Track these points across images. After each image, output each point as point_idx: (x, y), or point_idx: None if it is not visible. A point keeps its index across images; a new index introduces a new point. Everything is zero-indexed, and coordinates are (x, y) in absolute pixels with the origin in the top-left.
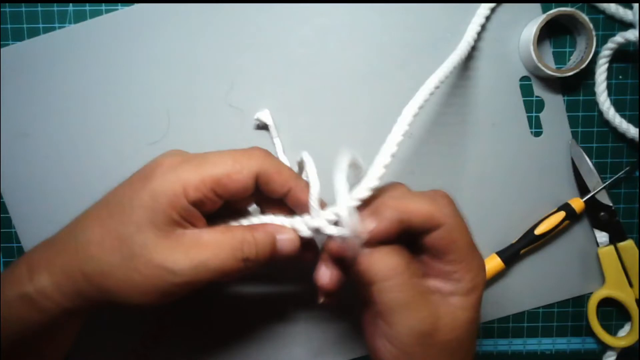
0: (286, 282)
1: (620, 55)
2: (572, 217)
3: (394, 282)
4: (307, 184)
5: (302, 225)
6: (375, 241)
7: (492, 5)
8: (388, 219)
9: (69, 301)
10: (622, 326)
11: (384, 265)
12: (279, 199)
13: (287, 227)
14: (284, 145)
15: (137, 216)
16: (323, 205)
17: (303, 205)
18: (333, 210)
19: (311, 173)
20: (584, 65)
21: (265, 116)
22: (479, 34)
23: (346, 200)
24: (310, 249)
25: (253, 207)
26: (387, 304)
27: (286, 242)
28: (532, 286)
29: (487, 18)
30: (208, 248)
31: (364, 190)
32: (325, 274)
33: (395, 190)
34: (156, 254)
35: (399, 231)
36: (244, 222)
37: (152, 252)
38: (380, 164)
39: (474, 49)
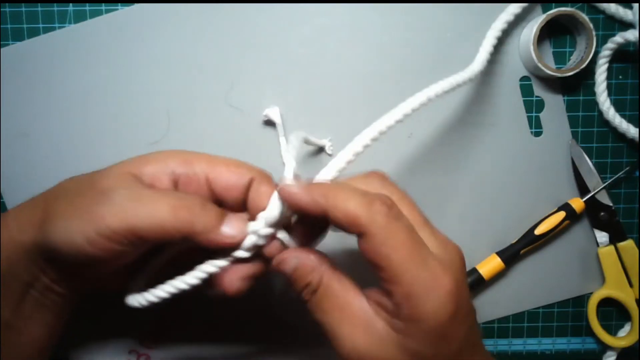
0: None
1: (620, 55)
2: (572, 217)
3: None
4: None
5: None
6: (297, 209)
7: (516, 10)
8: (311, 197)
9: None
10: (622, 326)
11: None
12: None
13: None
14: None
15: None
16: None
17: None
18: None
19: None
20: (584, 65)
21: (274, 114)
22: (498, 41)
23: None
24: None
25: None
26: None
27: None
28: (532, 286)
29: (507, 26)
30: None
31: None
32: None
33: (350, 180)
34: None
35: (322, 217)
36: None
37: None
38: (342, 159)
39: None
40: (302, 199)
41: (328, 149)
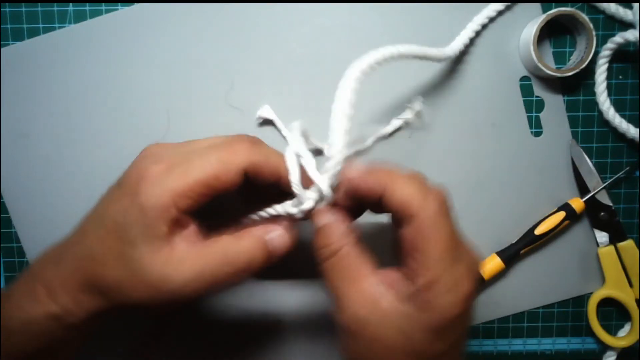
0: (286, 283)
1: (620, 55)
2: (572, 217)
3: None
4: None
5: (293, 209)
6: (351, 192)
7: (499, 7)
8: (367, 180)
9: (91, 314)
10: (622, 326)
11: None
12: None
13: (273, 225)
14: (284, 143)
15: (130, 234)
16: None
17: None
18: (315, 189)
19: (290, 161)
20: (584, 65)
21: (266, 112)
22: (477, 34)
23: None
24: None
25: None
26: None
27: (276, 240)
28: (532, 286)
29: (489, 20)
30: (194, 265)
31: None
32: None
33: (406, 171)
34: (151, 268)
35: (375, 200)
36: (244, 221)
37: (148, 267)
38: (339, 130)
39: (474, 46)
40: (361, 183)
41: (327, 151)
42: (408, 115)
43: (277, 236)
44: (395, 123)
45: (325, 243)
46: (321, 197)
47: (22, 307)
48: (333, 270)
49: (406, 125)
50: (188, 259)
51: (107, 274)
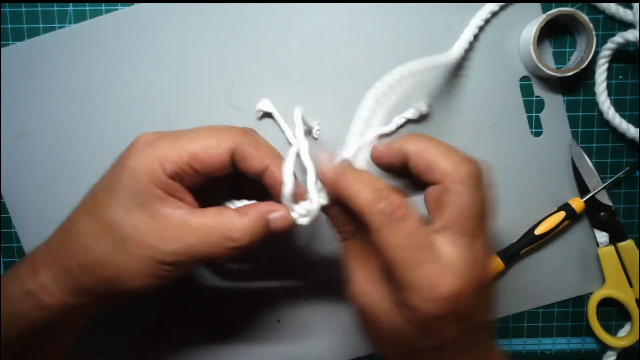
0: (286, 281)
1: (620, 55)
2: (572, 217)
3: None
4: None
5: (300, 209)
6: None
7: (494, 7)
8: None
9: (71, 296)
10: (622, 326)
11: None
12: (253, 183)
13: (276, 205)
14: (283, 137)
15: (122, 199)
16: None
17: (278, 182)
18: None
19: (305, 157)
20: (584, 65)
21: (266, 105)
22: (477, 35)
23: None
24: None
25: None
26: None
27: (279, 220)
28: (532, 286)
29: (487, 21)
30: (197, 231)
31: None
32: None
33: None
34: (146, 234)
35: (403, 164)
36: (237, 204)
37: (142, 233)
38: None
39: (473, 48)
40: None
41: (315, 133)
42: (411, 114)
43: (279, 216)
44: (398, 121)
45: (344, 223)
46: (309, 213)
47: (4, 288)
48: (350, 249)
49: (408, 123)
50: (186, 226)
51: (93, 246)
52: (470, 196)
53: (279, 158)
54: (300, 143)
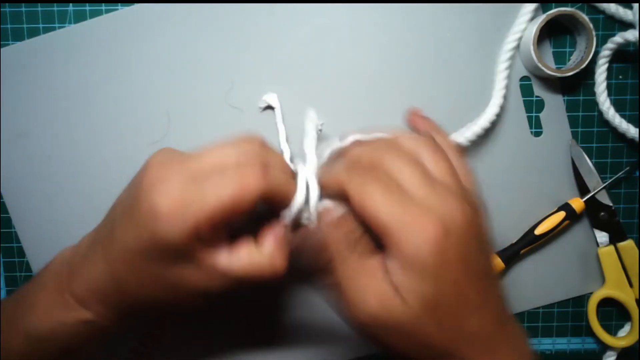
0: (286, 281)
1: (620, 55)
2: (572, 217)
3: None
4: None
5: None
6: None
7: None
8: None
9: (125, 320)
10: (622, 326)
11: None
12: None
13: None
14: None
15: (156, 259)
16: None
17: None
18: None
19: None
20: (584, 65)
21: (272, 99)
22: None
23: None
24: None
25: None
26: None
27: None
28: (532, 286)
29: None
30: (228, 272)
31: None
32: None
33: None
34: (194, 280)
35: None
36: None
37: (190, 280)
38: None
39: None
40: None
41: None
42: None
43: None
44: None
45: (350, 229)
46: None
47: (53, 315)
48: (347, 268)
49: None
50: (220, 271)
51: (139, 291)
52: (422, 282)
53: (293, 183)
54: (308, 169)
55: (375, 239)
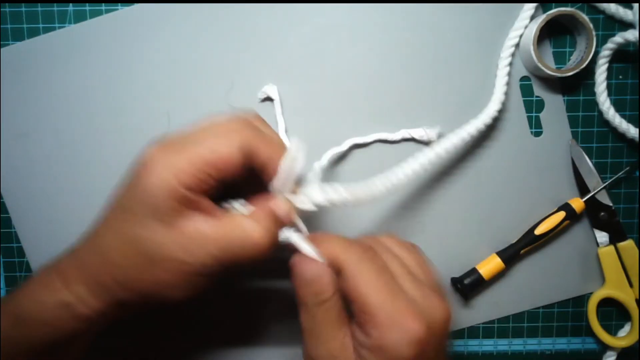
0: (286, 281)
1: (620, 55)
2: (572, 217)
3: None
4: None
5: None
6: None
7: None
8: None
9: (108, 307)
10: (622, 326)
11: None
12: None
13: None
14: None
15: (140, 215)
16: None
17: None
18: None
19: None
20: (584, 65)
21: (271, 90)
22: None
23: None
24: None
25: None
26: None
27: (281, 206)
28: (532, 286)
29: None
30: (218, 243)
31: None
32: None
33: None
34: (172, 249)
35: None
36: (235, 204)
37: (168, 248)
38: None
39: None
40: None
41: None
42: (418, 135)
43: (281, 203)
44: (404, 135)
45: (320, 290)
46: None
47: (35, 295)
48: (320, 317)
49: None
50: (208, 239)
51: (123, 263)
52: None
53: (283, 149)
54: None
55: (346, 306)
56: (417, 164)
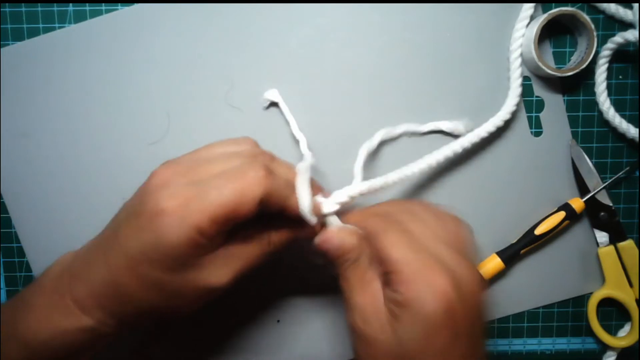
0: (286, 281)
1: (620, 55)
2: (572, 217)
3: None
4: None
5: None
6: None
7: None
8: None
9: (125, 327)
10: (622, 326)
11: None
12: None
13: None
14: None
15: (160, 261)
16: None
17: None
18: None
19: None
20: (584, 66)
21: (273, 95)
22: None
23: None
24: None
25: None
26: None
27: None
28: (532, 286)
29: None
30: (238, 257)
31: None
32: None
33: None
34: (198, 281)
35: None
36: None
37: (194, 283)
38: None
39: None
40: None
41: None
42: (446, 127)
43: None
44: (432, 127)
45: (347, 251)
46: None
47: (52, 320)
48: (351, 275)
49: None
50: (233, 258)
51: (139, 296)
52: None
53: (293, 196)
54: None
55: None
56: (434, 159)
